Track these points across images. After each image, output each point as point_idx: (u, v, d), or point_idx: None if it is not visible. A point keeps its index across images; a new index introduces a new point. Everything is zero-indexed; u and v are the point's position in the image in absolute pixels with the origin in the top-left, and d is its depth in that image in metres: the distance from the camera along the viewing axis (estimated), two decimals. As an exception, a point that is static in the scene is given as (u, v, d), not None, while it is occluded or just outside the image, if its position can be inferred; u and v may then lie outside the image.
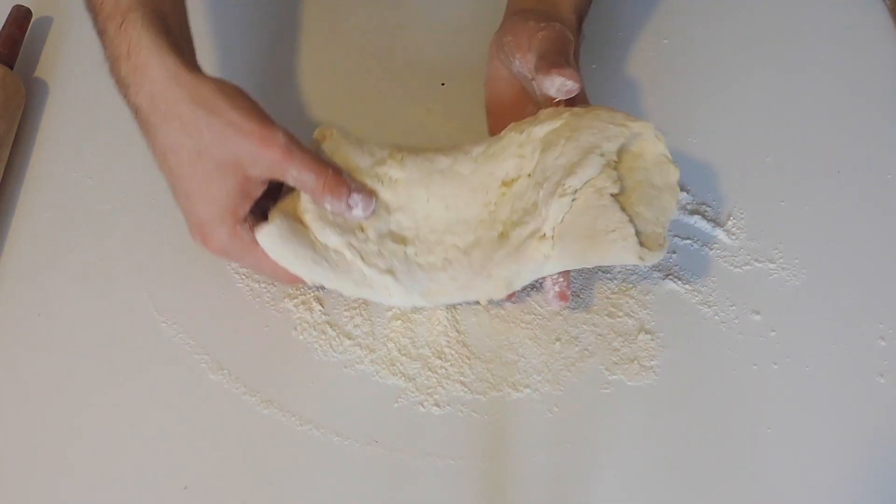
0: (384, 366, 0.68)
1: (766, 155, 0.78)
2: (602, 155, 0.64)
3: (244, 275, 0.71)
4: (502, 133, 0.70)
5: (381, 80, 0.82)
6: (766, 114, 0.81)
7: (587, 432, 0.65)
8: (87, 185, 0.77)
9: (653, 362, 0.68)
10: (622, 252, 0.62)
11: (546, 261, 0.65)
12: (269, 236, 0.65)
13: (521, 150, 0.68)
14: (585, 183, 0.64)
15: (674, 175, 0.66)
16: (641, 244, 0.62)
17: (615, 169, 0.64)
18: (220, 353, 0.68)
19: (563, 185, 0.63)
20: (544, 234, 0.64)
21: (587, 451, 0.64)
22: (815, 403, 0.66)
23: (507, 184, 0.68)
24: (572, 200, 0.64)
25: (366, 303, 0.70)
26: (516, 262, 0.66)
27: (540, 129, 0.67)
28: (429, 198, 0.70)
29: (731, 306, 0.70)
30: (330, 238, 0.66)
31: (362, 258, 0.66)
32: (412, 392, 0.66)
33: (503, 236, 0.67)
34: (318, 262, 0.66)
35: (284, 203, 0.67)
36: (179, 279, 0.71)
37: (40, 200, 0.76)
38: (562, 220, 0.64)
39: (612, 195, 0.63)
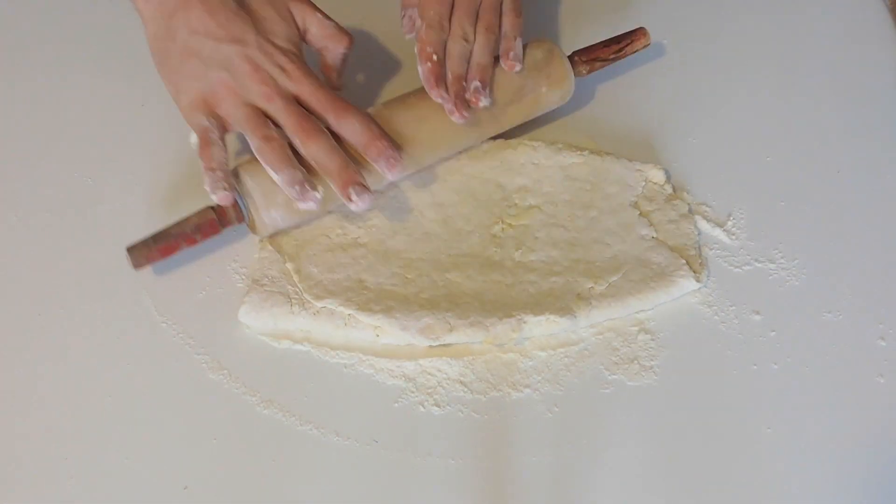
0: (384, 365, 0.68)
1: (766, 155, 0.78)
2: (635, 206, 0.73)
3: (244, 275, 0.71)
4: (511, 141, 0.76)
5: (382, 80, 0.82)
6: (766, 114, 0.81)
7: (587, 432, 0.65)
8: (87, 185, 0.77)
9: (653, 362, 0.68)
10: (684, 283, 0.70)
11: (590, 311, 0.69)
12: (247, 313, 0.68)
13: (537, 171, 0.75)
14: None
15: (684, 206, 0.74)
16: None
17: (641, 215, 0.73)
18: (220, 353, 0.68)
19: (618, 256, 0.71)
20: (592, 288, 0.69)
21: (587, 451, 0.64)
22: (815, 403, 0.66)
23: (517, 213, 0.73)
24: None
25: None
26: (551, 315, 0.68)
27: (561, 157, 0.75)
28: (424, 208, 0.73)
29: (731, 306, 0.70)
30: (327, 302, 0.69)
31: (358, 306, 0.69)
32: (412, 392, 0.66)
33: (521, 282, 0.70)
34: (296, 313, 0.68)
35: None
36: (179, 279, 0.71)
37: (40, 200, 0.76)
38: (619, 276, 0.70)
39: (653, 238, 0.72)
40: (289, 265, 0.70)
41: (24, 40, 0.86)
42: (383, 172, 0.69)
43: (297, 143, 0.68)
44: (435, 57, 0.72)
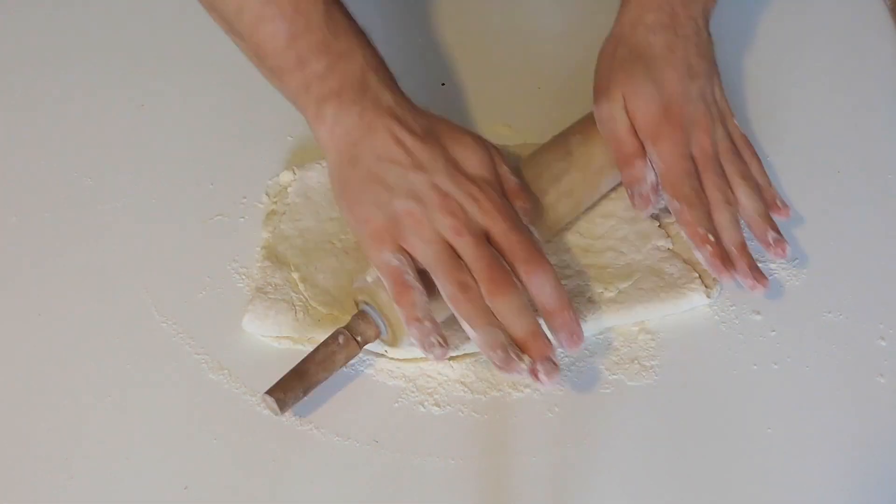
0: (384, 366, 0.68)
1: (767, 155, 0.78)
2: (656, 217, 0.73)
3: (244, 274, 0.71)
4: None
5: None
6: (767, 114, 0.81)
7: (587, 432, 0.65)
8: (87, 185, 0.77)
9: (653, 362, 0.68)
10: (694, 296, 0.69)
11: (600, 317, 0.68)
12: (251, 321, 0.68)
13: None
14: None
15: None
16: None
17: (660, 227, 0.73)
18: (220, 353, 0.68)
19: (631, 262, 0.71)
20: (601, 293, 0.69)
21: (587, 451, 0.64)
22: (815, 403, 0.66)
23: None
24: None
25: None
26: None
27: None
28: None
29: (731, 306, 0.70)
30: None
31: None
32: (412, 392, 0.66)
33: None
34: (301, 321, 0.68)
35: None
36: (179, 279, 0.71)
37: (40, 200, 0.76)
38: (629, 284, 0.70)
39: (668, 249, 0.72)
40: (295, 274, 0.70)
41: (24, 40, 0.86)
42: (560, 345, 0.63)
43: (482, 290, 0.62)
44: (711, 237, 0.68)
